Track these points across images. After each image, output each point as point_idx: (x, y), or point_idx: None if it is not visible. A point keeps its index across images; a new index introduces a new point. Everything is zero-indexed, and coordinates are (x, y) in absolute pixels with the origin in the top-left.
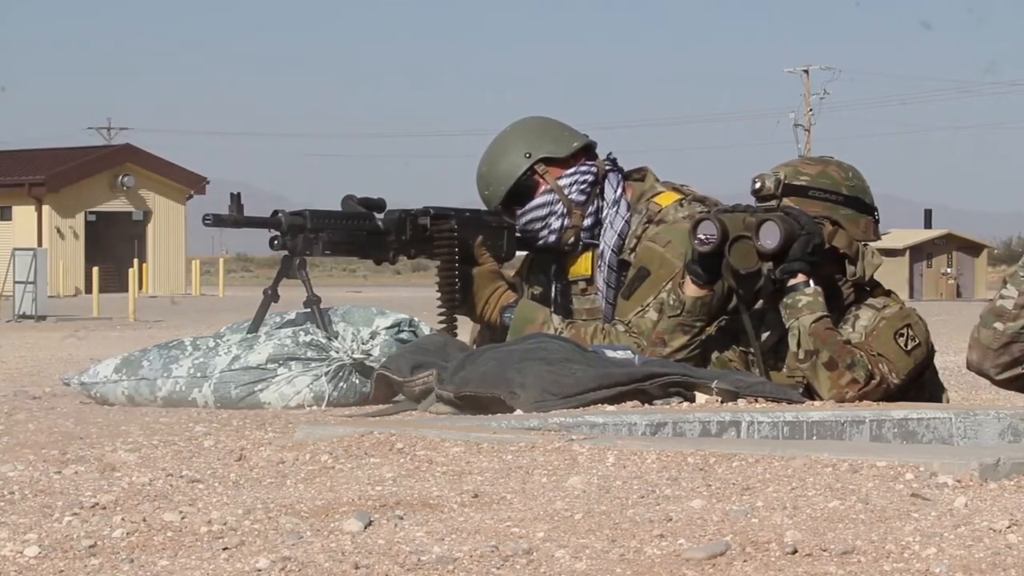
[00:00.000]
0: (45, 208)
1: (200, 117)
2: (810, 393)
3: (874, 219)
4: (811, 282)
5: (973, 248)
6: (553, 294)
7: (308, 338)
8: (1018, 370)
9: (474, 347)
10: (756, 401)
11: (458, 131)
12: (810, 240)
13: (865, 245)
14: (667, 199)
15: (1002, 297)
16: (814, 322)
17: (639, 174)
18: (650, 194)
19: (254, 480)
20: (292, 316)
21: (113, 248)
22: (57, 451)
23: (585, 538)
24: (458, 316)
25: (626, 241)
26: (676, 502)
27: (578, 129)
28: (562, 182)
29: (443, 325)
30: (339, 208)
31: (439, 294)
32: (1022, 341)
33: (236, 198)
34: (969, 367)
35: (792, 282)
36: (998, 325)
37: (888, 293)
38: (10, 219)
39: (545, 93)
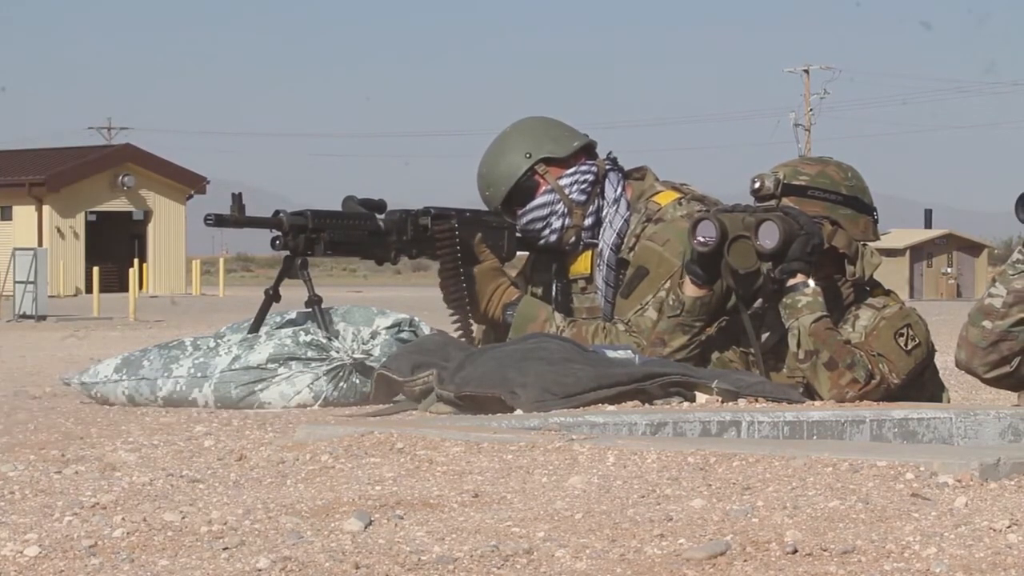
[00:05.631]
0: (45, 208)
1: (200, 117)
2: (810, 393)
3: (873, 219)
4: (810, 282)
5: (973, 248)
6: (554, 293)
7: (308, 338)
8: (1006, 368)
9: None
10: (756, 401)
11: (458, 131)
12: (809, 240)
13: (864, 245)
14: (666, 198)
15: (991, 295)
16: (814, 322)
17: (639, 173)
18: (649, 193)
19: (254, 480)
20: (293, 316)
21: (113, 248)
22: (57, 451)
23: (585, 538)
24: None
25: (625, 240)
26: (676, 502)
27: (578, 129)
28: (563, 182)
29: (458, 331)
30: (340, 208)
31: (448, 300)
32: (1010, 339)
33: (237, 198)
34: (958, 365)
35: (791, 282)
36: (986, 323)
37: (888, 293)
38: (10, 219)
39: (545, 93)
